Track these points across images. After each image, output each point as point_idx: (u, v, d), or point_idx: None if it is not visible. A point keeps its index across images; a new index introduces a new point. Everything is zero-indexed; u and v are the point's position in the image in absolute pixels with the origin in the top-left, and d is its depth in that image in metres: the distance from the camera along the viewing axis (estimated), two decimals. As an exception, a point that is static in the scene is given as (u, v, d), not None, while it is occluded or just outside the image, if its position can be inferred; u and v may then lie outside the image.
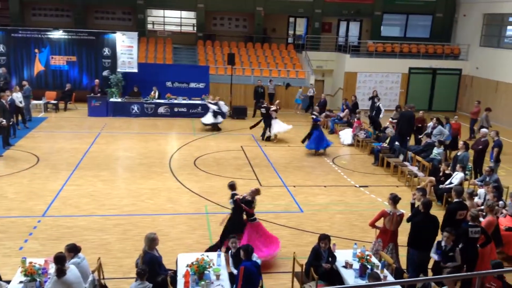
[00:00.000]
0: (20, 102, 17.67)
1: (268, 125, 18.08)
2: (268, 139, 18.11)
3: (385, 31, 29.42)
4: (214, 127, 19.43)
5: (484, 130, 14.32)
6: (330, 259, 7.59)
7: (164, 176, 13.53)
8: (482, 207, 9.44)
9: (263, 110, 18.44)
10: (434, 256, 7.70)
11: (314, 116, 16.86)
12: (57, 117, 20.55)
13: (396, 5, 28.86)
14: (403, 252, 8.60)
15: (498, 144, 13.36)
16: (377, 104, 19.50)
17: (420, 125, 16.99)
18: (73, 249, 6.93)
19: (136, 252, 8.43)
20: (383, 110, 19.55)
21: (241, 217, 8.91)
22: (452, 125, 16.60)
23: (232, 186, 9.27)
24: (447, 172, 12.28)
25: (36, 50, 22.43)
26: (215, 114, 19.51)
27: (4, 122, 15.08)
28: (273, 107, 18.41)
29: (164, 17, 29.94)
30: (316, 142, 16.37)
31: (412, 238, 7.99)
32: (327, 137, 17.17)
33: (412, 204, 8.50)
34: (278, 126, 18.04)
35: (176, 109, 21.38)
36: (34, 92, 20.71)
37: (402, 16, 29.68)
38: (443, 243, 7.59)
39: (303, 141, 16.73)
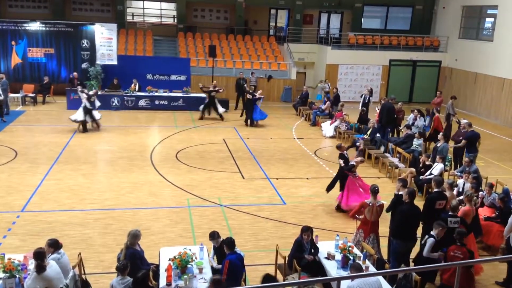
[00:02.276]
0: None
1: (214, 105, 19.89)
2: (222, 117, 19.83)
3: (366, 23, 29.56)
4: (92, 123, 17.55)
5: (464, 121, 14.51)
6: (312, 250, 7.63)
7: (146, 169, 13.42)
8: (462, 197, 9.58)
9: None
10: (434, 255, 7.46)
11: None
12: (35, 110, 20.18)
13: (376, -3, 29.00)
14: (384, 243, 8.71)
15: (468, 136, 13.56)
16: (368, 97, 19.18)
17: (396, 116, 17.13)
18: (54, 245, 6.82)
19: (117, 247, 8.35)
20: (372, 102, 19.54)
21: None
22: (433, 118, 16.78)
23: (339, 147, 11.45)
24: (427, 163, 12.44)
25: (13, 43, 21.95)
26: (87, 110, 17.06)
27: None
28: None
29: (144, 8, 29.55)
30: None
31: (396, 228, 8.06)
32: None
33: (396, 195, 8.56)
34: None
35: (157, 102, 21.19)
36: (12, 85, 20.30)
37: (382, 8, 29.85)
38: (434, 234, 7.51)
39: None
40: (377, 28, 29.52)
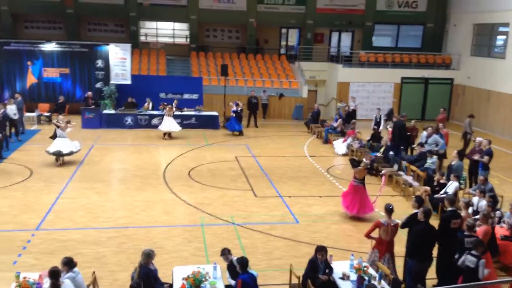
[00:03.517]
0: (14, 114, 17.57)
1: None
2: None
3: (376, 41, 29.66)
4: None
5: (479, 139, 14.38)
6: (327, 270, 7.56)
7: (159, 188, 13.48)
8: (477, 216, 9.46)
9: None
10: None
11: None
12: (50, 129, 20.35)
13: (387, 15, 29.17)
14: (399, 263, 8.60)
15: (488, 152, 13.44)
16: (380, 116, 19.46)
17: (410, 134, 17.06)
18: (69, 263, 6.86)
19: (131, 265, 8.34)
20: (383, 121, 19.60)
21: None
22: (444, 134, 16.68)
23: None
24: (441, 181, 12.33)
25: (29, 63, 22.36)
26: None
27: (0, 135, 15.00)
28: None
29: (157, 28, 30.01)
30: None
31: (411, 248, 7.96)
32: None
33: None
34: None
35: (170, 120, 21.30)
36: (27, 105, 20.65)
37: (393, 26, 30.00)
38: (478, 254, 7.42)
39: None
40: (388, 46, 29.60)
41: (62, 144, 14.85)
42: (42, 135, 19.30)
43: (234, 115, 20.81)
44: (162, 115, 20.91)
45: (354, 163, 11.94)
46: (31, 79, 22.50)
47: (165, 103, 20.49)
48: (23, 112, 19.20)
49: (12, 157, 15.80)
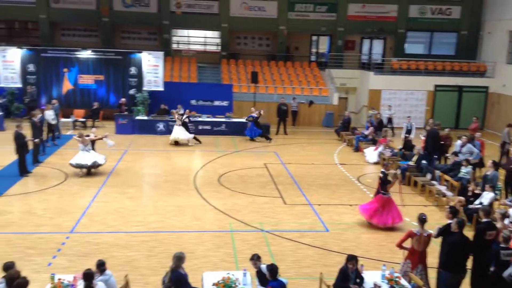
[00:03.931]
0: (53, 119, 18.11)
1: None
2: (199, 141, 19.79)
3: (409, 48, 29.30)
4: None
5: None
6: (358, 280, 7.46)
7: (189, 193, 13.61)
8: (514, 228, 9.17)
9: (186, 120, 19.91)
10: None
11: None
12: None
13: (419, 22, 28.79)
14: (432, 274, 8.42)
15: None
16: (410, 124, 19.23)
17: (443, 142, 16.72)
18: (102, 266, 7.01)
19: (162, 270, 8.44)
20: (414, 129, 19.32)
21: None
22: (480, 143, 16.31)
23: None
24: (476, 192, 12.03)
25: (65, 69, 23.02)
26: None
27: (37, 140, 15.48)
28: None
29: (188, 36, 30.47)
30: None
31: (445, 259, 7.79)
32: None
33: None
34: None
35: (200, 127, 21.57)
36: (63, 110, 21.24)
37: (426, 33, 29.58)
38: None
39: None
40: (421, 53, 29.19)
41: (82, 157, 14.60)
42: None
43: (251, 120, 20.83)
44: (193, 122, 21.20)
45: (386, 181, 11.48)
46: (67, 86, 23.15)
47: (173, 110, 20.50)
48: (59, 117, 19.75)
49: (48, 161, 16.26)
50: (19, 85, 22.77)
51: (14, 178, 14.15)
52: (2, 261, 6.99)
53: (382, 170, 11.74)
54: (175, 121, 19.87)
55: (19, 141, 14.21)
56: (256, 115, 20.88)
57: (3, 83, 22.74)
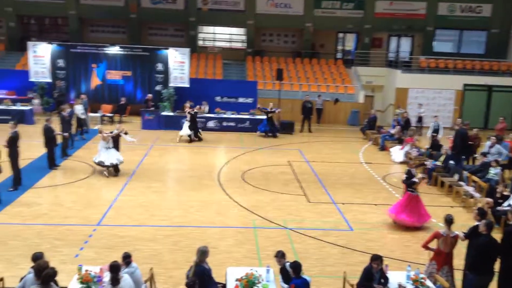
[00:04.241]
0: (82, 113, 18.46)
1: (194, 127, 19.41)
2: (201, 139, 19.52)
3: (437, 46, 28.82)
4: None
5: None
6: (382, 280, 7.39)
7: (213, 188, 13.70)
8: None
9: (192, 113, 19.36)
10: None
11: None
12: (111, 129, 21.24)
13: (449, 20, 28.26)
14: (458, 276, 8.28)
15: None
16: (438, 123, 18.96)
17: (472, 143, 16.40)
18: (127, 258, 7.12)
19: (186, 264, 8.53)
20: (442, 129, 19.01)
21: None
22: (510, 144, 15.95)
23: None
24: (505, 193, 11.76)
25: (94, 65, 23.42)
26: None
27: (66, 134, 15.82)
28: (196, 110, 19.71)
29: (214, 33, 30.60)
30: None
31: (472, 261, 7.65)
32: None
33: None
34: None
35: (224, 123, 21.68)
36: (91, 105, 21.61)
37: (455, 31, 29.05)
38: None
39: None
40: (449, 52, 28.65)
41: (105, 156, 14.21)
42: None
43: (264, 111, 21.08)
44: (217, 118, 21.29)
45: (412, 182, 11.42)
46: (95, 81, 23.55)
47: (186, 104, 20.43)
48: (87, 112, 20.12)
49: (77, 154, 16.59)
50: (49, 80, 23.28)
51: (44, 171, 14.49)
52: (31, 252, 7.17)
53: (408, 168, 11.63)
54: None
55: (48, 134, 14.52)
56: (269, 109, 20.99)
57: (34, 78, 23.28)
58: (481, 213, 8.16)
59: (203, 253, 7.25)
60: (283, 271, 7.52)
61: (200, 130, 19.95)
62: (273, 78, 25.47)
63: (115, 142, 14.81)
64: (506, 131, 18.28)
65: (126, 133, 15.12)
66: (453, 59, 26.47)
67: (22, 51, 26.70)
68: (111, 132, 14.69)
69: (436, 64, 26.21)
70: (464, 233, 8.12)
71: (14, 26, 28.48)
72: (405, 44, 29.84)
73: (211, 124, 21.51)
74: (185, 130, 19.27)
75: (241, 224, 11.28)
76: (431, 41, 28.59)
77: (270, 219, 11.59)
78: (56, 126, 15.49)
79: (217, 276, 7.75)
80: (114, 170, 14.47)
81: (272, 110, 20.92)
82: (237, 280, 7.18)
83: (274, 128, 21.09)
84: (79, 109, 18.26)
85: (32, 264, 6.77)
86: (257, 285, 7.09)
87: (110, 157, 14.24)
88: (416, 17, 28.27)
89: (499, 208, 11.49)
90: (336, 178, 15.36)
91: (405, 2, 28.15)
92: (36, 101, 22.52)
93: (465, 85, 25.33)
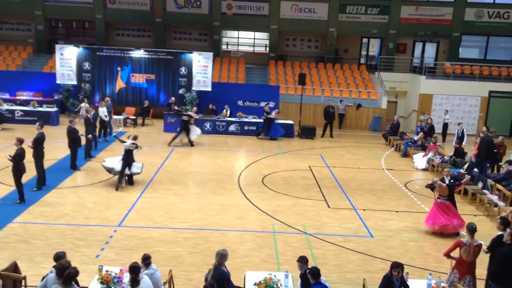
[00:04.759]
0: (105, 116, 18.73)
1: (187, 131, 18.91)
2: (192, 144, 19.03)
3: (463, 52, 28.38)
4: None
5: None
6: (402, 288, 7.29)
7: (233, 192, 13.74)
8: None
9: (185, 118, 18.87)
10: None
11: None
12: (135, 131, 21.49)
13: (475, 26, 27.81)
14: (481, 286, 8.10)
15: None
16: (462, 129, 18.66)
17: (497, 151, 16.06)
18: (147, 259, 7.18)
19: (205, 267, 8.58)
20: (466, 136, 18.69)
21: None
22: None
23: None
24: (531, 203, 11.47)
25: (119, 68, 23.77)
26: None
27: (90, 136, 16.08)
28: (193, 114, 19.23)
29: (238, 38, 30.76)
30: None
31: (495, 271, 7.48)
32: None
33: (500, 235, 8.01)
34: (195, 132, 19.22)
35: (246, 127, 21.73)
36: (115, 108, 21.95)
37: (482, 38, 28.57)
38: None
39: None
40: (475, 58, 28.19)
41: (117, 163, 13.54)
42: (127, 137, 20.38)
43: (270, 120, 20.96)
44: (239, 122, 21.33)
45: (431, 187, 11.47)
46: (120, 84, 23.90)
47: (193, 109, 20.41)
48: (111, 114, 20.41)
49: (100, 156, 16.81)
50: (75, 82, 23.73)
51: (67, 172, 14.75)
52: (54, 251, 7.29)
53: (435, 179, 11.68)
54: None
55: (72, 136, 14.78)
56: (267, 110, 21.30)
57: (60, 80, 23.77)
58: (504, 223, 7.99)
59: (222, 256, 7.26)
60: (303, 277, 7.48)
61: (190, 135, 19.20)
62: (296, 82, 25.44)
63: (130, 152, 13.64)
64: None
65: (137, 147, 13.71)
66: (480, 65, 26.01)
67: (50, 54, 27.35)
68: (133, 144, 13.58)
69: (461, 70, 25.81)
70: (487, 246, 7.95)
71: (43, 29, 29.15)
72: (430, 50, 29.48)
73: (232, 128, 21.58)
74: (194, 133, 19.18)
75: (260, 228, 11.27)
76: (457, 47, 28.17)
77: (290, 224, 11.56)
78: (80, 127, 15.75)
79: (235, 280, 7.75)
80: (129, 181, 13.80)
81: (189, 113, 19.20)
82: (255, 284, 7.18)
83: (268, 130, 21.06)
84: (103, 111, 18.53)
85: (54, 263, 6.88)
86: (275, 290, 7.06)
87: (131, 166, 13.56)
88: (442, 23, 27.90)
89: (524, 218, 11.20)
90: (357, 184, 15.23)
91: (431, 7, 27.83)
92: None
93: (491, 91, 24.84)
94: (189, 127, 19.04)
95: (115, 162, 13.65)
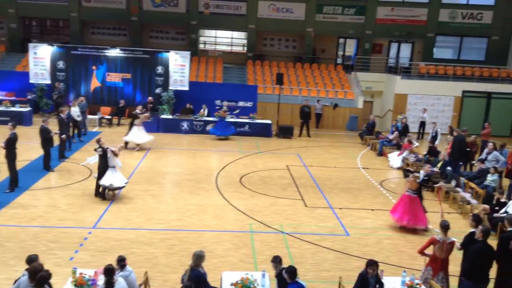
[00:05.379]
0: (78, 116, 18.40)
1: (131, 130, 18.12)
2: (126, 144, 17.64)
3: (438, 53, 28.86)
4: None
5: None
6: (377, 286, 7.37)
7: (211, 192, 13.69)
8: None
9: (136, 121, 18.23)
10: None
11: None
12: (110, 132, 21.28)
13: (449, 27, 28.32)
14: (454, 282, 8.26)
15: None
16: (436, 129, 19.02)
17: (469, 149, 16.41)
18: (122, 261, 7.11)
19: (181, 268, 8.52)
20: (440, 135, 19.03)
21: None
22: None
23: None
24: (502, 200, 11.75)
25: (94, 67, 23.43)
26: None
27: (64, 136, 15.81)
28: (142, 116, 18.32)
29: (215, 37, 30.65)
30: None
31: (467, 268, 7.64)
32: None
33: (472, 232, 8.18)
34: (139, 136, 18.03)
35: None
36: (90, 107, 21.59)
37: (455, 38, 29.10)
38: None
39: None
40: (449, 58, 28.70)
41: (112, 177, 12.50)
42: (102, 136, 19.93)
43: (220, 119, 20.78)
44: (216, 121, 21.23)
45: (407, 174, 11.80)
46: (95, 83, 23.56)
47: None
48: (86, 114, 20.09)
49: (74, 157, 16.57)
50: (48, 82, 23.29)
51: (40, 173, 14.47)
52: (27, 254, 7.15)
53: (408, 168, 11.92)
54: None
55: (44, 135, 14.51)
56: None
57: (33, 79, 23.30)
58: (476, 220, 8.17)
59: (199, 257, 7.23)
60: (279, 277, 7.49)
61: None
62: (273, 82, 25.50)
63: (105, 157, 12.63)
64: (490, 136, 18.40)
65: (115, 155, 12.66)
66: (453, 65, 26.51)
67: (23, 53, 26.78)
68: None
69: (435, 71, 26.25)
70: (460, 243, 8.11)
71: (16, 27, 28.53)
72: (406, 50, 29.89)
73: (210, 127, 21.49)
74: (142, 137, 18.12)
75: (238, 228, 11.27)
76: (431, 48, 28.63)
77: (267, 223, 11.58)
78: (54, 127, 15.47)
79: (213, 281, 7.73)
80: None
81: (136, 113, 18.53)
82: (232, 284, 7.17)
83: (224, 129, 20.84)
84: (75, 111, 18.13)
85: (26, 266, 6.75)
86: (252, 289, 7.06)
87: (118, 179, 12.62)
88: (417, 23, 28.33)
89: (496, 215, 11.48)
90: (334, 183, 15.36)
91: (406, 8, 28.23)
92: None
93: (464, 91, 25.35)
94: (133, 127, 18.07)
95: (113, 178, 12.43)
